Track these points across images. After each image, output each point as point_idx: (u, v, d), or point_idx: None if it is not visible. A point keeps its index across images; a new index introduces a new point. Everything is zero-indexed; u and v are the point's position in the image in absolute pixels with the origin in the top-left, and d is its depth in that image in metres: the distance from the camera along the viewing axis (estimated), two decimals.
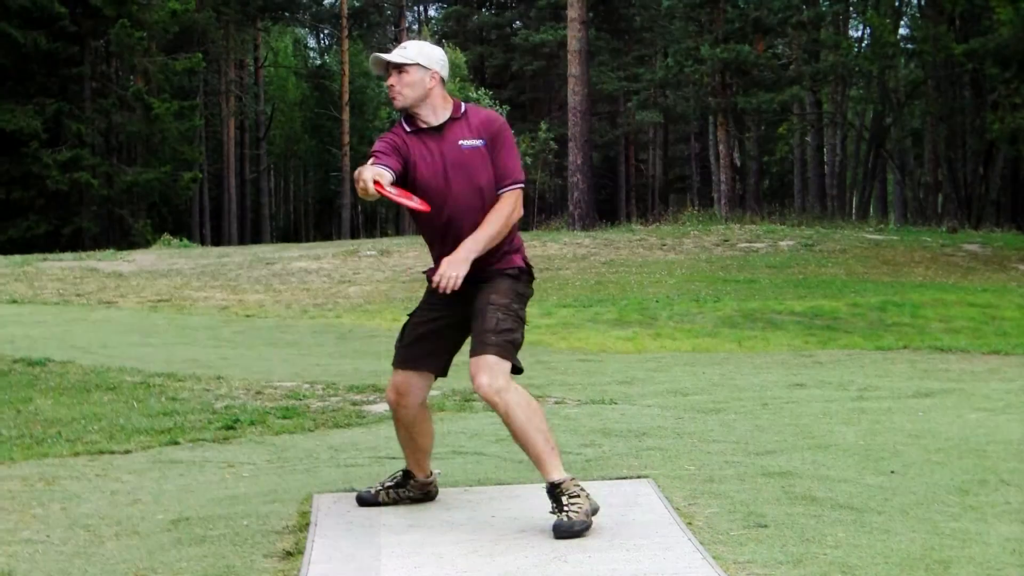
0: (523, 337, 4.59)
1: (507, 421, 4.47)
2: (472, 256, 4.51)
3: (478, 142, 4.63)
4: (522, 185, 4.65)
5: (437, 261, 4.65)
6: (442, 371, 4.81)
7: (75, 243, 34.77)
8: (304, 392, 8.36)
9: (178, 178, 38.75)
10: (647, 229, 26.56)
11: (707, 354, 12.01)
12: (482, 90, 48.46)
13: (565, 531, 4.33)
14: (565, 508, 4.38)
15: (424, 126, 4.65)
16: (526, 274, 4.74)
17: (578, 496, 4.41)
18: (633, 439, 6.21)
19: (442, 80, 4.69)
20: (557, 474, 4.44)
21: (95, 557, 4.26)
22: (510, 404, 4.43)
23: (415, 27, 64.80)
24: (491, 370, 4.43)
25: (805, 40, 38.91)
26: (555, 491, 4.42)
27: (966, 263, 21.16)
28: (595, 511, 4.43)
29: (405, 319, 4.89)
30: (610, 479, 5.24)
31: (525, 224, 47.53)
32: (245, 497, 5.09)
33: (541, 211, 49.35)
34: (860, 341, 13.10)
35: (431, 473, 5.00)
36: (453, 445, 6.09)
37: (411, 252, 21.44)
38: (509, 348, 4.50)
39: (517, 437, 4.49)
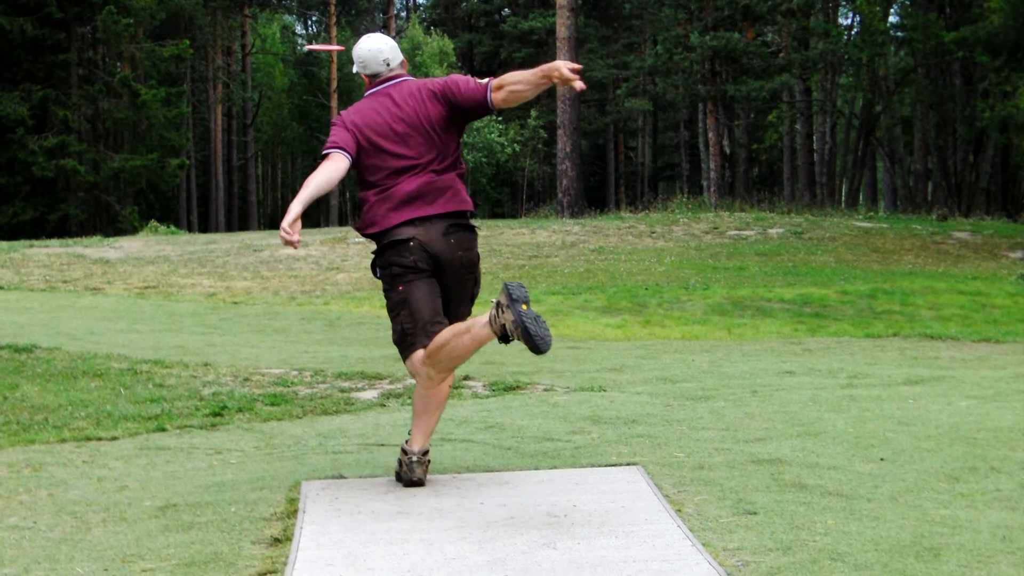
0: (400, 315, 4.92)
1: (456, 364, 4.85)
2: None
3: None
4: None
5: None
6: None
7: (62, 230, 34.71)
8: (292, 379, 8.33)
9: (165, 165, 38.64)
10: (636, 217, 26.53)
11: (696, 341, 12.00)
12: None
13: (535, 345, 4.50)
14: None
15: None
16: (377, 254, 5.22)
17: (500, 316, 4.54)
18: (622, 426, 6.20)
19: (370, 75, 5.07)
20: (488, 326, 4.62)
21: (82, 543, 4.24)
22: (445, 376, 4.84)
23: (403, 14, 64.68)
24: (411, 373, 4.93)
25: (794, 28, 38.90)
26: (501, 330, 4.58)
27: (956, 251, 21.20)
28: (518, 324, 4.48)
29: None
30: (599, 466, 5.24)
31: (514, 211, 47.65)
32: (233, 484, 5.06)
33: (530, 198, 49.33)
34: (850, 329, 13.11)
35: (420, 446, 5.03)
36: (442, 432, 6.07)
37: None
38: (400, 345, 4.90)
39: (464, 358, 4.80)
